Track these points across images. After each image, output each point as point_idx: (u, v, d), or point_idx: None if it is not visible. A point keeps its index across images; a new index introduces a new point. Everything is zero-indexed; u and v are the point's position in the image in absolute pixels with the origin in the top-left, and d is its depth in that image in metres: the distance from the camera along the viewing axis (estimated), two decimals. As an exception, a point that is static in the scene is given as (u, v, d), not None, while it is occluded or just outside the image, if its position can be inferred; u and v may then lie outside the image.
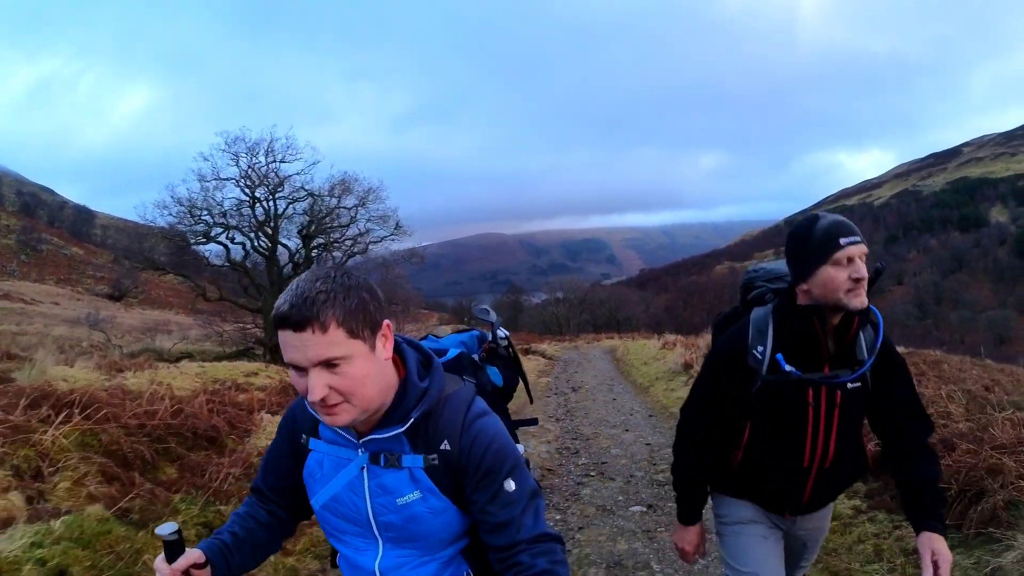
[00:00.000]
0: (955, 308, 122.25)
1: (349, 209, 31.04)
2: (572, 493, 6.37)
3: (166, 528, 1.59)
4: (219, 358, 23.00)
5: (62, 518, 3.59)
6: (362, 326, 1.51)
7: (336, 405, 1.50)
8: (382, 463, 1.63)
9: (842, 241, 2.12)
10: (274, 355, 24.81)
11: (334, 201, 30.88)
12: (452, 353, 1.99)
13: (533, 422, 2.32)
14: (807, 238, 2.21)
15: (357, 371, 1.50)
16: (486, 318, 2.26)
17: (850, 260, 2.13)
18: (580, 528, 5.37)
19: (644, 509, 5.76)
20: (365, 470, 1.66)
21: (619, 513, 5.71)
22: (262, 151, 29.56)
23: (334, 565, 2.01)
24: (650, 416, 10.37)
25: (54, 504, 3.98)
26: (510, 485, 1.64)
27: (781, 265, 2.55)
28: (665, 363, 16.05)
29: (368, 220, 31.42)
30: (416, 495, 1.63)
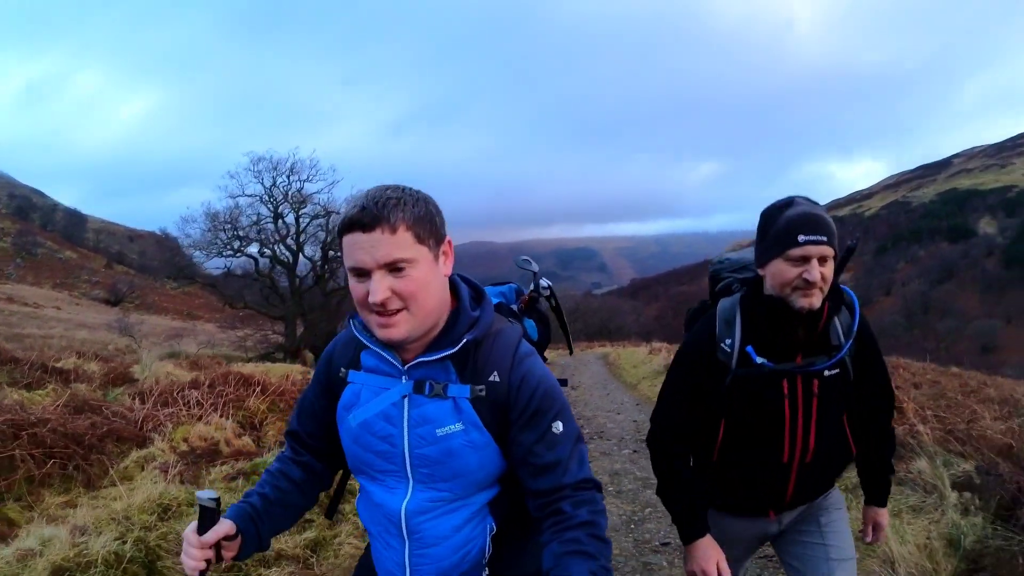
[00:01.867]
0: (943, 318, 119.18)
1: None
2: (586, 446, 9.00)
3: (206, 494, 1.56)
4: (243, 361, 24.60)
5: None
6: (428, 235, 1.52)
7: (395, 313, 1.50)
8: (427, 391, 1.59)
9: (800, 238, 2.00)
10: (295, 358, 26.72)
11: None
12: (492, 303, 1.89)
13: (563, 383, 2.10)
14: (772, 223, 2.10)
15: (421, 275, 1.50)
16: (528, 268, 2.26)
17: (805, 259, 2.01)
18: (592, 460, 7.96)
19: (631, 451, 8.60)
20: (407, 399, 1.61)
21: (615, 454, 8.51)
22: (285, 171, 31.82)
23: (329, 516, 2.11)
24: (637, 404, 12.90)
25: (269, 445, 6.49)
26: (558, 426, 1.61)
27: (747, 255, 2.43)
28: (651, 365, 18.55)
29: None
30: (458, 426, 1.58)
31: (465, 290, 1.68)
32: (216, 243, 31.72)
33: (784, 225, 2.05)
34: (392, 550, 1.71)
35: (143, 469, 5.64)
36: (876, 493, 2.45)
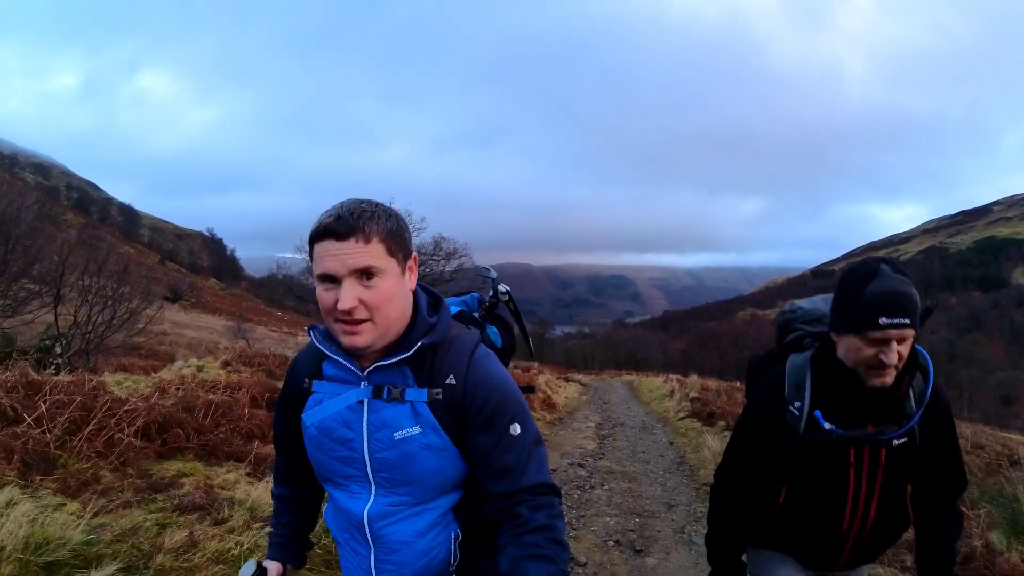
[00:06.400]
0: (967, 367, 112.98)
1: (452, 272, 36.46)
2: (611, 429, 14.47)
3: (247, 570, 1.72)
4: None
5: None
6: (397, 249, 1.55)
7: (361, 323, 1.52)
8: (384, 396, 1.60)
9: (882, 321, 1.84)
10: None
11: (442, 263, 36.43)
12: (453, 311, 1.91)
13: (530, 390, 2.18)
14: (853, 296, 1.92)
15: (388, 287, 1.52)
16: (486, 274, 2.24)
17: (884, 342, 1.86)
18: (614, 433, 13.70)
19: (637, 431, 14.15)
20: (366, 404, 1.62)
21: (628, 431, 14.08)
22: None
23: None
24: (646, 413, 18.71)
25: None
26: (515, 429, 1.61)
27: (820, 304, 2.33)
28: (662, 391, 24.15)
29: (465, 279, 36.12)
30: (416, 429, 1.59)
31: (424, 298, 1.71)
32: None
33: (866, 303, 1.87)
34: (359, 557, 1.72)
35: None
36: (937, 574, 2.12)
